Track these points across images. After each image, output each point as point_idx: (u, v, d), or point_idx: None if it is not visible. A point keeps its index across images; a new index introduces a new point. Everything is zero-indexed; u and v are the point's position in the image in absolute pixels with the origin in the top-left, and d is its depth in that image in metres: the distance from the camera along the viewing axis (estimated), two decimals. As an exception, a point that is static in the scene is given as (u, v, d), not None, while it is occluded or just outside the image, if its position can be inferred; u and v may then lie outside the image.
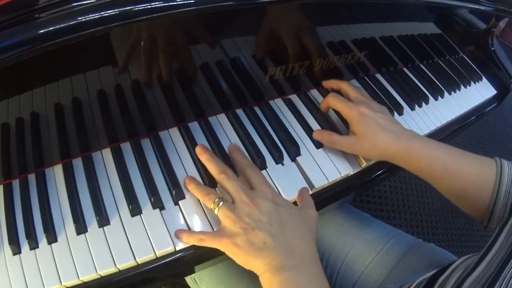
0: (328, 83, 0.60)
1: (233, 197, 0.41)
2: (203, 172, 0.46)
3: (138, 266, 0.40)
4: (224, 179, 0.42)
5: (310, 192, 0.48)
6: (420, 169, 0.48)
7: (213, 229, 0.42)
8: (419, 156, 0.47)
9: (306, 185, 0.48)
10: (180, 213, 0.43)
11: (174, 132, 0.49)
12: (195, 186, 0.43)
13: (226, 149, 0.48)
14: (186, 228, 0.42)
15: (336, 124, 0.57)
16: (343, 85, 0.56)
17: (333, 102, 0.53)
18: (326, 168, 0.50)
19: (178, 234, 0.41)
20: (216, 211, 0.40)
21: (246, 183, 0.43)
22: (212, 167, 0.43)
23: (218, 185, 0.45)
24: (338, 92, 0.57)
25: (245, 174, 0.44)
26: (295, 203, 0.47)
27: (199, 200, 0.44)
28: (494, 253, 0.34)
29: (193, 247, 0.42)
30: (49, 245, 0.39)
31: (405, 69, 0.73)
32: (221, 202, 0.40)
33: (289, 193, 0.47)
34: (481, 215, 0.47)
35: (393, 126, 0.49)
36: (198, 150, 0.45)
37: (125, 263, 0.39)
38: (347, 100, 0.52)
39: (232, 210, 0.39)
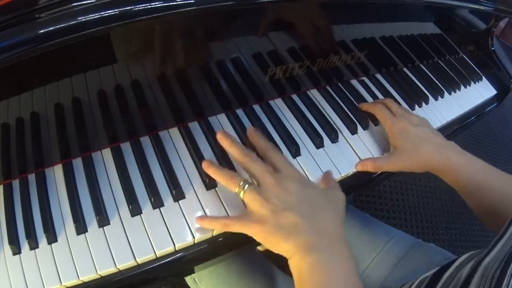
0: (368, 108, 0.59)
1: (259, 179, 0.40)
2: (202, 172, 0.46)
3: (138, 266, 0.40)
4: (249, 161, 0.41)
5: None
6: (457, 182, 0.49)
7: (213, 230, 0.42)
8: (457, 170, 0.48)
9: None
10: (180, 213, 0.43)
11: (174, 132, 0.49)
12: (216, 170, 0.42)
13: (229, 155, 0.48)
14: (191, 222, 0.42)
15: (336, 123, 0.57)
16: (385, 102, 0.57)
17: (379, 113, 0.55)
18: (326, 168, 0.50)
19: (199, 220, 0.40)
20: (242, 194, 0.39)
21: (271, 165, 0.42)
22: (236, 151, 0.42)
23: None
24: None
25: (267, 157, 0.43)
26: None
27: (199, 200, 0.44)
28: (507, 237, 0.35)
29: (193, 247, 0.42)
30: (49, 245, 0.39)
31: (405, 69, 0.73)
32: (247, 185, 0.39)
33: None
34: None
35: (434, 138, 0.51)
36: (219, 136, 0.44)
37: (125, 263, 0.39)
38: (391, 114, 0.54)
39: (259, 193, 0.38)
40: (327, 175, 0.48)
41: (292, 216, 0.37)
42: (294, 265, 0.37)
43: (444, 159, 0.49)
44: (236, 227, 0.39)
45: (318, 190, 0.42)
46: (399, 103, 0.63)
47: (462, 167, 0.48)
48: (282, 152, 0.44)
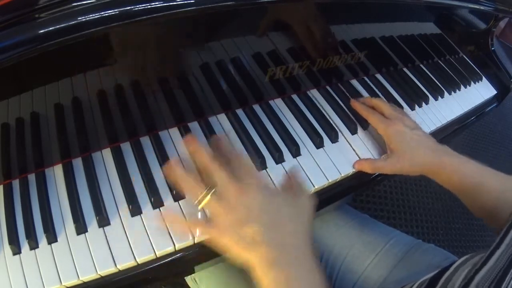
0: (357, 106, 0.57)
1: (222, 188, 0.38)
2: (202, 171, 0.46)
3: (138, 266, 0.40)
4: (215, 169, 0.39)
5: (310, 192, 0.48)
6: (451, 183, 0.50)
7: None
8: (452, 171, 0.49)
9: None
10: (180, 213, 0.43)
11: (174, 132, 0.49)
12: (182, 173, 0.39)
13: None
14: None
15: (336, 123, 0.57)
16: (374, 102, 0.57)
17: (371, 118, 0.55)
18: (326, 168, 0.50)
19: (169, 218, 0.40)
20: (204, 203, 0.38)
21: (235, 173, 0.40)
22: (203, 156, 0.40)
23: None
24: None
25: (233, 164, 0.41)
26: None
27: (199, 200, 0.44)
28: (502, 250, 0.34)
29: (193, 247, 0.42)
30: (49, 245, 0.39)
31: (405, 69, 0.73)
32: (210, 194, 0.38)
33: (289, 193, 0.47)
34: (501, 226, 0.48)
35: (429, 141, 0.51)
36: (186, 139, 0.42)
37: (125, 263, 0.39)
38: (384, 117, 0.54)
39: (221, 202, 0.37)
40: (292, 177, 0.44)
41: (252, 229, 0.36)
42: (256, 277, 0.36)
43: (439, 162, 0.50)
44: (200, 230, 0.38)
45: (282, 200, 0.40)
46: (399, 103, 0.63)
47: (457, 168, 0.49)
48: (249, 160, 0.42)
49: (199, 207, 0.38)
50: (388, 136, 0.52)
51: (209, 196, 0.38)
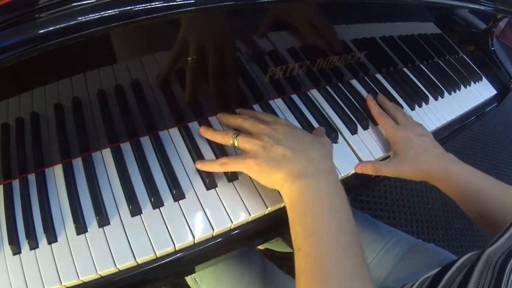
0: (372, 106, 0.60)
1: (252, 129, 0.45)
2: (202, 172, 0.46)
3: (138, 266, 0.40)
4: (242, 121, 0.47)
5: None
6: (455, 191, 0.51)
7: (213, 229, 0.42)
8: (456, 179, 0.50)
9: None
10: (180, 213, 0.43)
11: (174, 132, 0.49)
12: (213, 132, 0.47)
13: (226, 150, 0.48)
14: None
15: (336, 123, 0.57)
16: (390, 107, 0.59)
17: (381, 121, 0.57)
18: (326, 168, 0.50)
19: (198, 165, 0.45)
20: (236, 143, 0.44)
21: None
22: (233, 119, 0.49)
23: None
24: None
25: (259, 119, 0.47)
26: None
27: (199, 200, 0.44)
28: None
29: (193, 247, 0.42)
30: (49, 245, 0.39)
31: (405, 69, 0.73)
32: (239, 133, 0.44)
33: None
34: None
35: (434, 149, 0.53)
36: (219, 115, 0.51)
37: (125, 263, 0.39)
38: (393, 122, 0.56)
39: (250, 135, 0.44)
40: (319, 129, 0.52)
41: (281, 149, 0.41)
42: (285, 193, 0.40)
43: (443, 169, 0.50)
44: (233, 165, 0.43)
45: (306, 132, 0.47)
46: (399, 103, 0.64)
47: (461, 176, 0.50)
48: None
49: (236, 145, 0.44)
50: (395, 140, 0.53)
51: (239, 135, 0.44)
